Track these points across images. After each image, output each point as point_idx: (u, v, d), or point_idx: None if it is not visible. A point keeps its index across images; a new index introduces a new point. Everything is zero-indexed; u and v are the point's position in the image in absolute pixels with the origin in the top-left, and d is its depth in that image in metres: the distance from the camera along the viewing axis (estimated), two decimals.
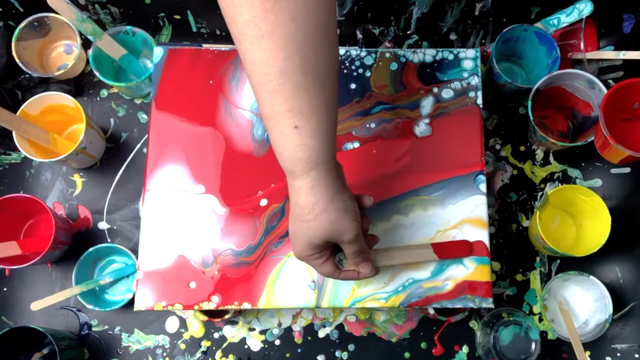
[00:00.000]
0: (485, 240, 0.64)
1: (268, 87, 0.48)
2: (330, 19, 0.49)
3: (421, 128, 0.67)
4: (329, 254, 0.56)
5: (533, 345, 0.73)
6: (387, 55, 0.69)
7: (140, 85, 0.77)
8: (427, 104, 0.68)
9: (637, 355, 0.75)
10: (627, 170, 0.79)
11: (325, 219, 0.51)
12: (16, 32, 0.77)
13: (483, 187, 0.65)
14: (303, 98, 0.48)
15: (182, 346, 0.75)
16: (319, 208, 0.51)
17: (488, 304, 0.63)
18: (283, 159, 0.51)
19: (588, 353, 0.75)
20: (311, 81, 0.48)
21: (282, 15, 0.45)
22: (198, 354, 0.75)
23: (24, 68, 0.77)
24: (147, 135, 0.80)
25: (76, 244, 0.77)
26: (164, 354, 0.75)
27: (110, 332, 0.76)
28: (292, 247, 0.55)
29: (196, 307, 0.62)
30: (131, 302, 0.71)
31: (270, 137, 0.51)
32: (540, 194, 0.79)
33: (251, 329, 0.76)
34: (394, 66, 0.69)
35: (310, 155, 0.50)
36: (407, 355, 0.75)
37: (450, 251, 0.63)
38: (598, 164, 0.79)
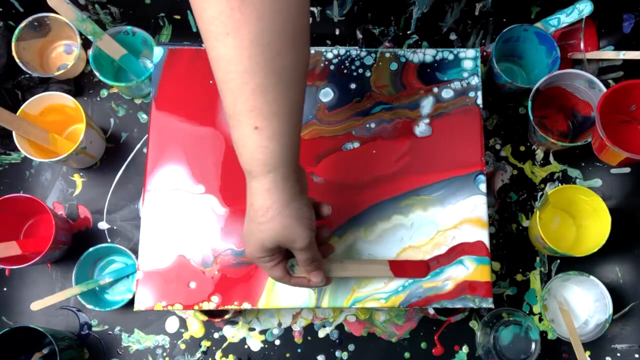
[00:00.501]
0: (485, 240, 0.64)
1: (231, 85, 0.47)
2: (301, 22, 0.48)
3: (421, 128, 0.67)
4: (281, 258, 0.55)
5: (533, 345, 0.73)
6: (387, 55, 0.69)
7: (140, 85, 0.77)
8: (427, 104, 0.68)
9: (637, 355, 0.75)
10: (627, 170, 0.79)
11: (278, 224, 0.51)
12: (16, 32, 0.77)
13: (483, 187, 0.65)
14: (266, 99, 0.47)
15: (182, 346, 0.75)
16: (273, 211, 0.51)
17: (488, 304, 0.63)
18: (242, 159, 0.51)
19: (588, 353, 0.75)
20: (275, 82, 0.47)
21: (248, 14, 0.45)
22: (198, 354, 0.75)
23: (24, 68, 0.77)
24: (147, 135, 0.80)
25: (76, 244, 0.77)
26: (164, 354, 0.75)
27: (110, 332, 0.76)
28: (245, 247, 0.55)
29: (196, 307, 0.62)
30: (131, 302, 0.71)
31: (232, 136, 0.50)
32: (540, 194, 0.79)
33: (251, 329, 0.76)
34: (394, 66, 0.69)
35: (269, 158, 0.49)
36: (407, 355, 0.75)
37: (407, 270, 0.62)
38: (598, 164, 0.79)
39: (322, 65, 0.69)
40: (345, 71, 0.68)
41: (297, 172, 0.52)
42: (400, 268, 0.62)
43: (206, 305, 0.62)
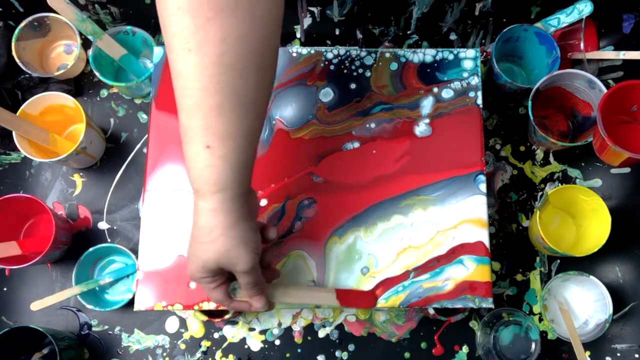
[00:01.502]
0: (485, 240, 0.64)
1: (188, 101, 0.47)
2: (267, 48, 0.48)
3: (421, 128, 0.67)
4: (223, 280, 0.55)
5: (533, 345, 0.73)
6: (387, 55, 0.69)
7: (140, 85, 0.77)
8: (427, 104, 0.68)
9: (637, 355, 0.75)
10: (627, 170, 0.79)
11: (221, 245, 0.50)
12: (16, 32, 0.77)
13: (483, 187, 0.65)
14: (221, 119, 0.47)
15: (182, 346, 0.75)
16: (217, 232, 0.50)
17: (488, 304, 0.63)
18: (191, 176, 0.50)
19: (588, 353, 0.75)
20: (233, 104, 0.47)
21: (212, 34, 0.45)
22: (198, 354, 0.75)
23: (24, 68, 0.77)
24: (147, 135, 0.80)
25: (76, 244, 0.77)
26: (164, 354, 0.75)
27: (110, 332, 0.76)
28: (188, 265, 0.54)
29: (196, 307, 0.62)
30: (131, 302, 0.71)
31: (184, 151, 0.50)
32: (540, 194, 0.79)
33: (251, 329, 0.76)
34: (394, 66, 0.69)
35: (218, 178, 0.49)
36: (407, 355, 0.75)
37: (354, 299, 0.62)
38: (598, 164, 0.79)
39: (322, 65, 0.69)
40: (345, 71, 0.69)
41: (245, 195, 0.52)
42: (347, 297, 0.61)
43: (206, 305, 0.62)
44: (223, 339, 0.76)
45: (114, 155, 0.80)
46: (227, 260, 0.51)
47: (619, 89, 0.69)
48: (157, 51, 0.68)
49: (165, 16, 0.46)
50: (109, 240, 0.78)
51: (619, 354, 0.75)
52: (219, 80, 0.46)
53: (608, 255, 0.76)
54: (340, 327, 0.76)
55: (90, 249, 0.74)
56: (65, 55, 0.83)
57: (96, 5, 0.78)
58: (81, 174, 0.80)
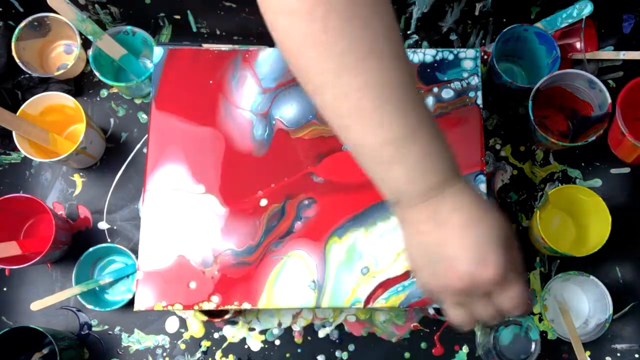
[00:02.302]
0: None
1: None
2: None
3: None
4: None
5: (533, 345, 0.73)
6: None
7: (140, 85, 0.77)
8: (427, 104, 0.67)
9: (637, 355, 0.75)
10: (627, 170, 0.79)
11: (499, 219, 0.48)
12: (16, 32, 0.77)
13: (483, 187, 0.65)
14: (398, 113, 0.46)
15: (182, 346, 0.75)
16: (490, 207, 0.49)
17: None
18: (416, 176, 0.47)
19: (588, 353, 0.75)
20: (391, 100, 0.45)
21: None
22: (198, 354, 0.75)
23: (24, 68, 0.77)
24: (147, 135, 0.80)
25: (76, 244, 0.77)
26: (164, 354, 0.75)
27: (110, 332, 0.76)
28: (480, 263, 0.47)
29: (196, 307, 0.62)
30: (131, 302, 0.71)
31: (380, 173, 0.48)
32: (540, 194, 0.79)
33: (251, 329, 0.76)
34: None
35: (443, 159, 0.48)
36: (407, 355, 0.75)
37: None
38: (598, 164, 0.79)
39: None
40: None
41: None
42: None
43: (206, 305, 0.62)
44: (223, 339, 0.76)
45: (114, 155, 0.80)
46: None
47: (636, 84, 0.69)
48: (157, 51, 0.68)
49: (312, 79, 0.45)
50: (109, 240, 0.78)
51: (619, 354, 0.75)
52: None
53: (608, 255, 0.76)
54: (340, 327, 0.76)
55: (90, 249, 0.74)
56: (65, 55, 0.83)
57: (96, 5, 0.78)
58: (81, 174, 0.80)
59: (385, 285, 0.63)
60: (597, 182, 0.79)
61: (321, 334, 0.76)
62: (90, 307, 0.73)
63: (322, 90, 0.45)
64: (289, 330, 0.76)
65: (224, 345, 0.76)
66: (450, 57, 0.69)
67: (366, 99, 0.44)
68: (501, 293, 0.48)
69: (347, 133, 0.47)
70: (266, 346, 0.76)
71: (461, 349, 0.75)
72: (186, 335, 0.76)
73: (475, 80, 0.68)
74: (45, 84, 0.80)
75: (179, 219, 0.64)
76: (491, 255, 0.46)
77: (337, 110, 0.46)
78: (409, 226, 0.49)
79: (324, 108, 0.47)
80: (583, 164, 0.79)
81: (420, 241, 0.48)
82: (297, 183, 0.65)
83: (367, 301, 0.63)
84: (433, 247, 0.47)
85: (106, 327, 0.76)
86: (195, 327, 0.76)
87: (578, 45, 0.77)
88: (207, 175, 0.65)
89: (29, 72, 0.77)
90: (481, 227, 0.47)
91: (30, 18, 0.77)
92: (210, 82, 0.68)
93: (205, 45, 0.77)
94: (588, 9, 0.75)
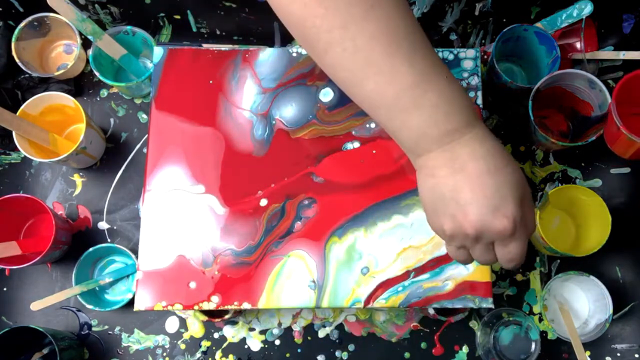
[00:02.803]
0: None
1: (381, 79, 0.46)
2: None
3: None
4: None
5: (533, 345, 0.73)
6: None
7: (140, 85, 0.77)
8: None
9: (637, 355, 0.75)
10: (627, 170, 0.79)
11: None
12: (16, 32, 0.77)
13: None
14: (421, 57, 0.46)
15: (182, 346, 0.75)
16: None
17: (488, 304, 0.63)
18: (443, 116, 0.47)
19: (588, 353, 0.75)
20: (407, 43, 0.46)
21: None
22: (198, 354, 0.75)
23: (23, 68, 0.77)
24: (147, 135, 0.80)
25: (76, 244, 0.77)
26: (164, 354, 0.75)
27: (110, 332, 0.76)
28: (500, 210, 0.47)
29: (196, 307, 0.62)
30: (131, 302, 0.71)
31: (399, 121, 0.48)
32: (540, 194, 0.79)
33: (251, 329, 0.76)
34: None
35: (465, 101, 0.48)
36: (407, 355, 0.75)
37: None
38: (598, 164, 0.79)
39: None
40: None
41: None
42: None
43: (206, 305, 0.62)
44: (223, 339, 0.76)
45: (114, 155, 0.80)
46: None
47: (632, 78, 0.69)
48: (157, 51, 0.68)
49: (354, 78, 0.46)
50: (109, 240, 0.78)
51: (619, 354, 0.75)
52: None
53: (608, 255, 0.76)
54: (340, 327, 0.76)
55: (90, 249, 0.74)
56: (65, 55, 0.83)
57: (96, 5, 0.78)
58: (81, 174, 0.80)
59: (385, 285, 0.63)
60: (597, 182, 0.79)
61: (321, 334, 0.76)
62: (90, 307, 0.73)
63: (331, 47, 0.45)
64: (289, 330, 0.76)
65: (224, 345, 0.76)
66: (450, 57, 0.69)
67: (377, 48, 0.44)
68: (503, 246, 0.48)
69: (361, 88, 0.47)
70: (266, 346, 0.76)
71: (461, 349, 0.75)
72: (186, 335, 0.76)
73: (475, 80, 0.68)
74: (45, 84, 0.80)
75: (179, 219, 0.64)
76: (505, 207, 0.46)
77: (349, 65, 0.46)
78: (424, 170, 0.49)
79: (334, 66, 0.47)
80: (583, 164, 0.79)
81: (434, 184, 0.48)
82: (297, 183, 0.65)
83: (367, 301, 0.63)
84: (447, 192, 0.47)
85: (106, 327, 0.76)
86: (195, 327, 0.76)
87: (578, 45, 0.77)
88: (207, 176, 0.65)
89: (29, 72, 0.77)
90: (498, 177, 0.47)
91: (30, 18, 0.77)
92: (210, 82, 0.68)
93: (205, 45, 0.77)
94: (588, 9, 0.75)
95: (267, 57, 0.68)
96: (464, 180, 0.47)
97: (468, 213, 0.47)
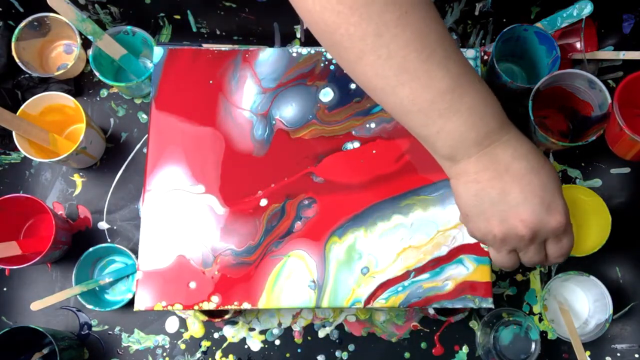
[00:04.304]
0: None
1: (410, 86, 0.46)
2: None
3: None
4: None
5: (533, 345, 0.73)
6: None
7: (140, 85, 0.77)
8: None
9: (637, 355, 0.75)
10: (627, 170, 0.79)
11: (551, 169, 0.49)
12: (16, 32, 0.77)
13: None
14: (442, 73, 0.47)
15: (182, 346, 0.75)
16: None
17: (488, 304, 0.63)
18: (468, 128, 0.47)
19: (588, 353, 0.75)
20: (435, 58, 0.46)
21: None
22: (198, 354, 0.75)
23: (23, 68, 0.77)
24: (147, 135, 0.80)
25: (76, 244, 0.77)
26: (164, 354, 0.75)
27: (110, 332, 0.76)
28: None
29: (196, 307, 0.62)
30: (131, 302, 0.71)
31: (426, 131, 0.48)
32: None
33: (251, 329, 0.76)
34: None
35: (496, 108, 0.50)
36: (407, 355, 0.75)
37: None
38: (598, 164, 0.79)
39: (322, 65, 0.69)
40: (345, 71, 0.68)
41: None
42: None
43: (206, 305, 0.62)
44: (223, 339, 0.76)
45: (114, 155, 0.80)
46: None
47: (634, 79, 0.69)
48: (157, 51, 0.68)
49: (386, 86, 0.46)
50: (109, 240, 0.78)
51: (619, 354, 0.75)
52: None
53: (608, 255, 0.76)
54: (340, 327, 0.76)
55: (90, 249, 0.74)
56: (65, 55, 0.83)
57: (96, 5, 0.78)
58: (81, 174, 0.80)
59: (385, 285, 0.63)
60: (597, 182, 0.79)
61: (321, 334, 0.76)
62: (90, 307, 0.73)
63: (365, 54, 0.45)
64: (289, 330, 0.76)
65: (224, 345, 0.76)
66: None
67: (412, 54, 0.44)
68: (557, 242, 0.49)
69: (395, 95, 0.46)
70: (266, 346, 0.76)
71: (461, 349, 0.75)
72: (186, 335, 0.76)
73: None
74: (45, 84, 0.80)
75: (179, 219, 0.64)
76: (556, 203, 0.48)
77: (383, 71, 0.45)
78: (464, 177, 0.48)
79: (368, 74, 0.46)
80: (583, 164, 0.79)
81: (480, 189, 0.48)
82: (297, 183, 0.65)
83: (367, 301, 0.63)
84: (493, 196, 0.47)
85: (106, 327, 0.76)
86: (195, 327, 0.76)
87: (578, 45, 0.77)
88: (207, 175, 0.65)
89: (29, 72, 0.77)
90: (542, 175, 0.47)
91: (30, 18, 0.77)
92: (210, 82, 0.68)
93: (205, 45, 0.77)
94: (588, 9, 0.75)
95: (267, 57, 0.68)
96: (511, 181, 0.47)
97: (521, 213, 0.47)
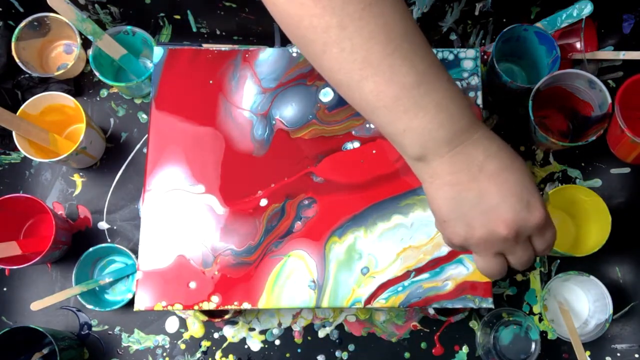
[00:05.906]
0: None
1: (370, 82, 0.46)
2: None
3: None
4: None
5: (533, 345, 0.73)
6: None
7: (140, 85, 0.77)
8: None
9: (637, 355, 0.75)
10: (627, 170, 0.79)
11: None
12: (16, 32, 0.77)
13: None
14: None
15: (182, 346, 0.75)
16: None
17: (488, 304, 0.63)
18: (437, 125, 0.46)
19: (588, 353, 0.75)
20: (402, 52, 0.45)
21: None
22: (198, 354, 0.75)
23: (23, 68, 0.77)
24: (147, 135, 0.80)
25: (76, 244, 0.77)
26: (164, 354, 0.75)
27: (110, 332, 0.76)
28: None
29: (196, 307, 0.62)
30: (131, 302, 0.71)
31: (397, 126, 0.46)
32: (540, 194, 0.79)
33: (251, 329, 0.76)
34: None
35: (463, 105, 0.48)
36: (407, 355, 0.75)
37: None
38: (598, 164, 0.79)
39: None
40: None
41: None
42: None
43: (206, 305, 0.62)
44: (223, 339, 0.76)
45: (114, 155, 0.80)
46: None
47: (636, 81, 0.69)
48: (157, 51, 0.68)
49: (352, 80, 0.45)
50: (109, 240, 0.78)
51: (619, 354, 0.75)
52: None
53: (608, 255, 0.76)
54: (340, 327, 0.76)
55: (90, 249, 0.74)
56: (65, 55, 0.83)
57: (96, 5, 0.78)
58: (81, 174, 0.80)
59: (385, 285, 0.63)
60: (597, 182, 0.79)
61: (321, 334, 0.76)
62: (90, 307, 0.73)
63: (328, 47, 0.44)
64: (289, 330, 0.76)
65: (224, 345, 0.76)
66: (450, 57, 0.69)
67: (376, 47, 0.43)
68: (541, 236, 0.48)
69: (359, 89, 0.45)
70: (266, 346, 0.76)
71: (461, 349, 0.75)
72: (186, 335, 0.76)
73: (475, 80, 0.68)
74: (45, 84, 0.80)
75: (179, 219, 0.64)
76: (534, 199, 0.46)
77: (346, 65, 0.44)
78: (437, 179, 0.47)
79: (332, 68, 0.45)
80: (583, 164, 0.79)
81: (454, 193, 0.46)
82: (297, 183, 0.65)
83: (367, 301, 0.63)
84: (470, 198, 0.46)
85: (106, 327, 0.76)
86: (195, 327, 0.76)
87: (578, 45, 0.77)
88: (207, 175, 0.65)
89: (29, 72, 0.77)
90: (517, 172, 0.46)
91: (30, 18, 0.77)
92: (210, 82, 0.68)
93: (205, 45, 0.77)
94: (588, 9, 0.75)
95: (267, 57, 0.68)
96: (487, 181, 0.46)
97: (500, 215, 0.46)
